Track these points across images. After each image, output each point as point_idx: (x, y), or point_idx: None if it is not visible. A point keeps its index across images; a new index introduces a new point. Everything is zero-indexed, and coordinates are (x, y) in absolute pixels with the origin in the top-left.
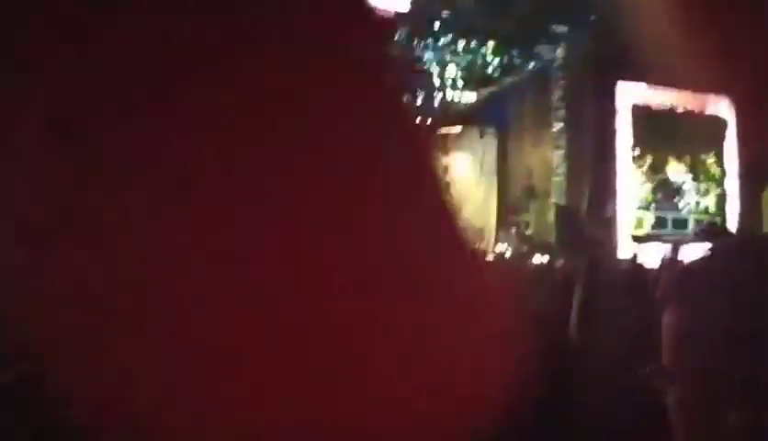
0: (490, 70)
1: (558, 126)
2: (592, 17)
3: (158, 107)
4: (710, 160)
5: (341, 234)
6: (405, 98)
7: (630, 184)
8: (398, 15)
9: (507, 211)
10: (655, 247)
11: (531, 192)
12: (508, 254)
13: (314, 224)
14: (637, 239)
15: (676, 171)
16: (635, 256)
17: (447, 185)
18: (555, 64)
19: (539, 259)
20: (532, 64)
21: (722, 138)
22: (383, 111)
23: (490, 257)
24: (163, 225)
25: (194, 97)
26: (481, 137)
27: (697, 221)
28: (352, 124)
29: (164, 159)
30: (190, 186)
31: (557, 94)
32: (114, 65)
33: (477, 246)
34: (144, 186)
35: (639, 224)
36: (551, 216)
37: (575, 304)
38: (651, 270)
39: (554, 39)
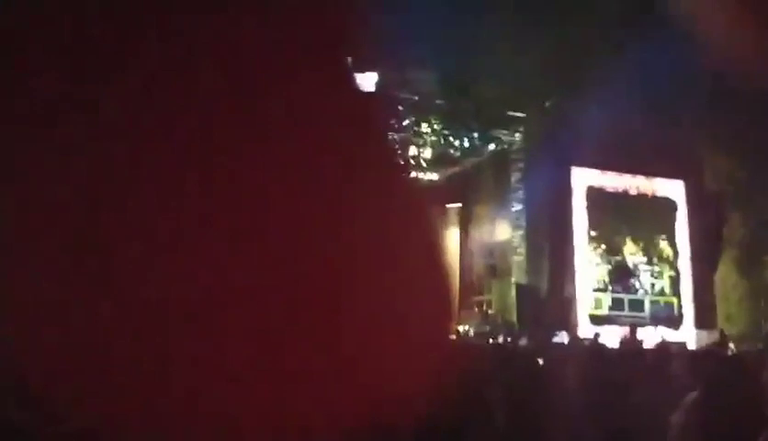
0: (451, 151)
1: (517, 206)
2: (547, 104)
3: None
4: (663, 241)
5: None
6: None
7: (587, 265)
8: None
9: (470, 291)
10: (613, 328)
11: (492, 271)
12: (471, 334)
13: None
14: (595, 319)
15: (631, 253)
16: (596, 336)
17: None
18: (514, 147)
19: (502, 338)
20: (491, 146)
21: (673, 219)
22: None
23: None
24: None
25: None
26: (443, 216)
27: (653, 303)
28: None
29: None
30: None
31: (515, 175)
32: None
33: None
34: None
35: (598, 305)
36: (512, 295)
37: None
38: (612, 350)
39: (512, 124)
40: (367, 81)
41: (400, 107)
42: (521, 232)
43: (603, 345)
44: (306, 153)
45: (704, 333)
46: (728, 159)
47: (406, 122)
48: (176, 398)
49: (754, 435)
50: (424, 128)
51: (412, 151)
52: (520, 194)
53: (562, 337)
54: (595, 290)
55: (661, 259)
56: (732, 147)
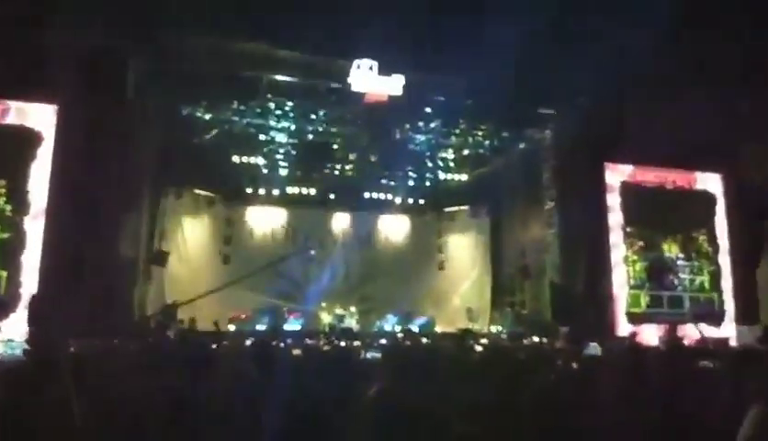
0: (481, 151)
1: (549, 205)
2: (579, 100)
3: None
4: (701, 236)
5: None
6: None
7: (624, 262)
8: (391, 98)
9: (502, 291)
10: (652, 327)
11: (525, 271)
12: (503, 335)
13: None
14: (633, 317)
15: (669, 249)
16: (633, 334)
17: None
18: (544, 145)
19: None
20: (522, 146)
21: (712, 213)
22: None
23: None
24: None
25: None
26: (474, 217)
27: (692, 299)
28: None
29: None
30: None
31: (547, 173)
32: None
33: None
34: None
35: (635, 302)
36: (546, 295)
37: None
38: (651, 349)
39: (542, 121)
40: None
41: (428, 109)
42: (553, 231)
43: (640, 345)
44: None
45: (745, 329)
46: None
47: (434, 124)
48: None
49: None
50: (453, 128)
51: (441, 152)
52: (552, 192)
53: (599, 338)
54: (632, 288)
55: (700, 254)
56: None
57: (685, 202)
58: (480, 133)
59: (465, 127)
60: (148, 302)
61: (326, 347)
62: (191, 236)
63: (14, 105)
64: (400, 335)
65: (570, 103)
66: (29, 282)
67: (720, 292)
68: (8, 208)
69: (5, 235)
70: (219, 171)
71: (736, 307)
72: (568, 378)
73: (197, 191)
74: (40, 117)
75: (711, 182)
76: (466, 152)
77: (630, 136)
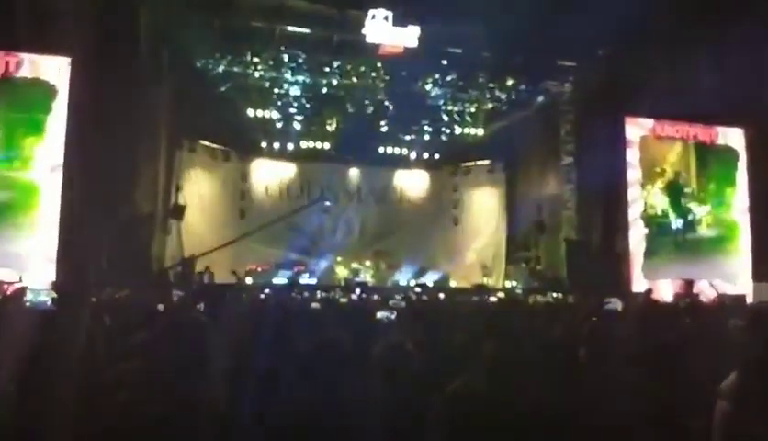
0: (498, 105)
1: (567, 160)
2: (600, 52)
3: None
4: (723, 191)
5: None
6: None
7: (641, 217)
8: (406, 50)
9: (517, 246)
10: (667, 282)
11: (541, 227)
12: (518, 290)
13: None
14: (649, 273)
15: (689, 203)
16: (648, 291)
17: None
18: (563, 99)
19: (551, 295)
20: (540, 99)
21: (734, 168)
22: None
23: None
24: None
25: None
26: (490, 172)
27: (710, 254)
28: None
29: None
30: None
31: (565, 128)
32: None
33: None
34: None
35: (655, 254)
36: (562, 251)
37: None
38: (666, 305)
39: (562, 74)
40: (411, 35)
41: (444, 62)
42: (571, 187)
43: (656, 302)
44: None
45: (763, 286)
46: None
47: (451, 77)
48: None
49: None
50: (470, 81)
51: (458, 106)
52: (570, 147)
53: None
54: (652, 226)
55: (721, 210)
56: None
57: (706, 156)
58: (497, 86)
59: (482, 80)
60: (167, 255)
61: (343, 300)
62: (208, 191)
63: (27, 57)
64: (417, 290)
65: (591, 55)
66: (50, 236)
67: (738, 248)
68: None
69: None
70: (233, 125)
71: (753, 264)
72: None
73: (213, 145)
74: (54, 69)
75: (733, 136)
76: (483, 105)
77: (651, 89)
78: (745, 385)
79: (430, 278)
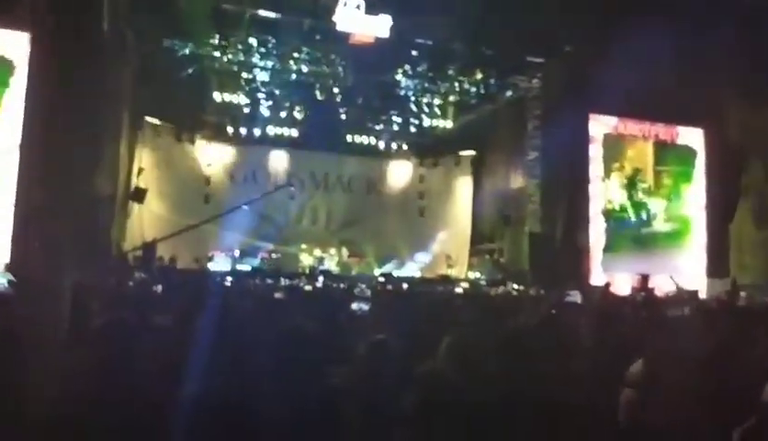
0: (467, 98)
1: (533, 155)
2: (567, 49)
3: None
4: (680, 189)
5: None
6: None
7: (602, 213)
8: (377, 39)
9: (482, 238)
10: (625, 276)
11: (506, 219)
12: (482, 281)
13: None
14: (608, 266)
15: (647, 199)
16: (607, 285)
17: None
18: (531, 94)
19: (513, 287)
20: (509, 93)
21: (692, 167)
22: None
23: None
24: None
25: None
26: (457, 164)
27: (665, 249)
28: None
29: None
30: None
31: (532, 122)
32: None
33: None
34: None
35: (613, 248)
36: (525, 244)
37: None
38: (623, 299)
39: (531, 70)
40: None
41: (415, 52)
42: (536, 181)
43: (614, 295)
44: None
45: (716, 282)
46: (751, 109)
47: (421, 68)
48: None
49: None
50: (439, 74)
51: (427, 97)
52: (537, 142)
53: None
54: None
55: (678, 206)
56: (755, 96)
57: (667, 155)
58: (466, 79)
59: (452, 72)
60: (127, 239)
61: (307, 287)
62: (171, 175)
63: None
64: (381, 280)
65: (559, 52)
66: (5, 217)
67: (693, 244)
68: None
69: None
70: (199, 109)
71: (708, 259)
72: (547, 324)
73: (177, 129)
74: (13, 45)
75: (693, 136)
76: (452, 98)
77: (616, 88)
78: (650, 373)
79: (395, 268)
